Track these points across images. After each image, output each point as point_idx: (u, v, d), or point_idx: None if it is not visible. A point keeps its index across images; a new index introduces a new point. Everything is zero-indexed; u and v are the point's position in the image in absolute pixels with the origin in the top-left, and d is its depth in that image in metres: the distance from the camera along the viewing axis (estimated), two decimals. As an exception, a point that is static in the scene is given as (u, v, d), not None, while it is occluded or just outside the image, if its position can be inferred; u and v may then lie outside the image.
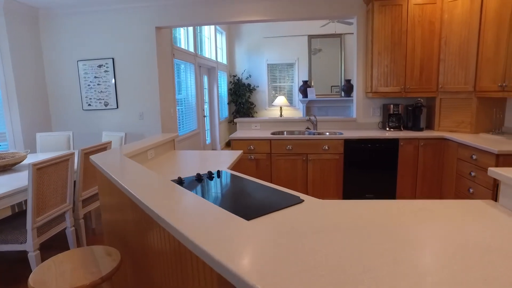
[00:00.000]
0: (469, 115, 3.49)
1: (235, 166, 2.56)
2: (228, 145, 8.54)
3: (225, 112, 8.71)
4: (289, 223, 1.08)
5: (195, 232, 0.89)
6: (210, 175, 2.07)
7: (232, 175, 2.06)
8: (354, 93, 4.26)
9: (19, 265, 2.82)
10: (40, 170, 2.35)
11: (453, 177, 3.30)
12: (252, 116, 8.91)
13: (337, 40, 8.51)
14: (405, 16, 3.62)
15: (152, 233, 1.24)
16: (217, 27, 7.84)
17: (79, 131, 4.67)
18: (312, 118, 4.22)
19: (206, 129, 7.05)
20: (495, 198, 2.54)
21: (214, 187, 1.84)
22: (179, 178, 1.98)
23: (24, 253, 3.01)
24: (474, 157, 2.92)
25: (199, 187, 1.83)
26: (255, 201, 1.55)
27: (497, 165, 2.67)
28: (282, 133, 4.21)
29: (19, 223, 2.53)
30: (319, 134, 4.00)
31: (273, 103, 8.64)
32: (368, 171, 3.69)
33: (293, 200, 1.55)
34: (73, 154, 2.67)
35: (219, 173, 2.11)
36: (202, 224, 0.95)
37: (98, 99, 4.56)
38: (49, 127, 4.66)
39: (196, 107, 6.13)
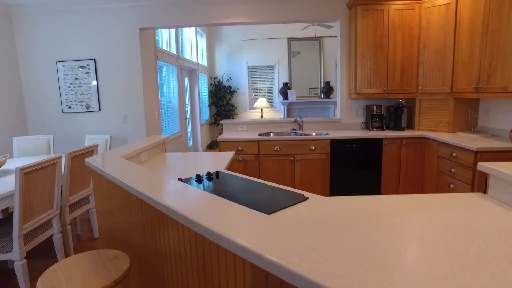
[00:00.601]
0: (447, 115, 3.69)
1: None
2: (210, 147, 8.50)
3: (206, 115, 8.66)
4: (309, 216, 1.11)
5: (229, 230, 0.91)
6: (209, 176, 2.07)
7: (231, 175, 2.07)
8: (338, 95, 4.38)
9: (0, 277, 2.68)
10: (28, 175, 2.25)
11: (434, 173, 3.47)
12: (233, 118, 8.92)
13: (316, 43, 8.69)
14: (386, 21, 3.78)
15: (166, 233, 1.23)
16: (198, 29, 7.80)
17: (59, 134, 4.49)
18: (298, 119, 4.30)
19: (188, 131, 6.98)
20: (472, 191, 2.71)
21: (217, 187, 1.84)
22: (179, 179, 1.97)
23: (4, 264, 2.86)
24: (454, 154, 3.09)
25: (201, 187, 1.83)
26: (264, 199, 1.58)
27: (475, 161, 2.84)
28: (268, 134, 4.26)
29: (2, 231, 2.41)
30: (305, 134, 4.08)
31: (254, 105, 8.70)
32: (354, 170, 3.81)
33: (299, 197, 1.59)
34: (60, 157, 2.58)
35: (217, 174, 2.12)
36: (228, 220, 0.96)
37: (79, 102, 4.42)
38: (25, 131, 4.45)
39: (178, 109, 6.06)
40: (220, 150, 3.90)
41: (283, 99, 8.52)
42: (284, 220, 0.96)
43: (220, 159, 2.55)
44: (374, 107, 4.04)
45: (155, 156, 2.73)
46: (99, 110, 4.42)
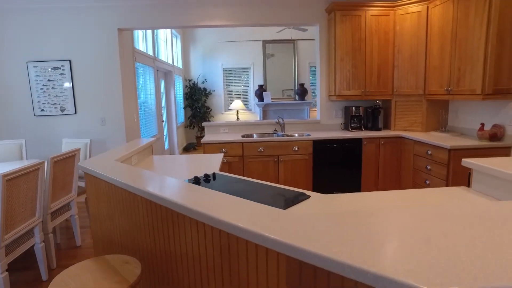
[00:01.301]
0: (420, 116, 3.92)
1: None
2: (186, 150, 8.39)
3: (182, 117, 8.55)
4: (321, 210, 1.15)
5: (257, 225, 0.94)
6: (206, 178, 2.07)
7: (228, 177, 2.09)
8: (318, 96, 4.52)
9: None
10: (10, 182, 2.13)
11: (411, 171, 3.68)
12: (209, 121, 8.87)
13: (290, 46, 8.87)
14: (364, 26, 3.96)
15: (182, 234, 1.24)
16: (173, 30, 7.69)
17: (31, 139, 4.25)
18: (280, 120, 4.37)
19: (164, 134, 6.86)
20: (447, 186, 2.91)
21: (218, 188, 1.85)
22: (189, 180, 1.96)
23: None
24: (430, 152, 3.30)
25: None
26: (270, 198, 1.62)
27: (449, 158, 3.05)
28: (251, 135, 4.29)
29: None
30: (288, 136, 4.16)
31: (230, 107, 8.70)
32: (335, 169, 3.94)
33: (302, 196, 1.65)
34: (43, 163, 2.46)
35: (214, 175, 2.12)
36: (252, 216, 0.99)
37: (53, 104, 4.21)
38: (-8, 136, 4.17)
39: (156, 111, 5.95)
40: (204, 152, 3.88)
41: (259, 101, 8.60)
42: (301, 214, 1.00)
43: (209, 161, 2.55)
44: (353, 108, 4.21)
45: (144, 159, 2.68)
46: (75, 113, 4.24)
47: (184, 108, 8.72)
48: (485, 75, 2.95)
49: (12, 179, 2.14)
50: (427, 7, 3.67)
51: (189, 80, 8.74)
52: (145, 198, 1.39)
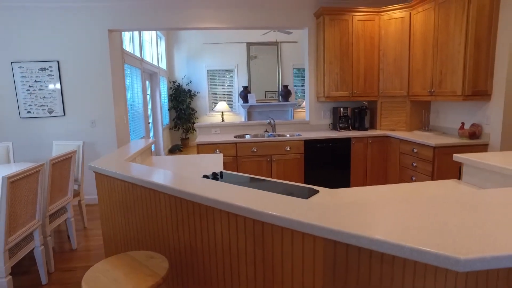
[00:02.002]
0: (404, 116, 4.14)
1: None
2: (171, 151, 8.33)
3: (166, 119, 8.49)
4: (337, 201, 1.24)
5: (292, 213, 1.03)
6: (215, 176, 2.14)
7: (235, 175, 2.16)
8: (307, 98, 4.66)
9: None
10: (13, 184, 2.11)
11: (397, 168, 3.88)
12: (194, 122, 8.86)
13: (274, 48, 9.01)
14: (351, 30, 4.14)
15: (211, 227, 1.30)
16: (158, 31, 7.64)
17: (17, 141, 4.13)
18: (272, 121, 4.48)
19: (150, 136, 6.80)
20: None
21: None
22: (205, 176, 2.01)
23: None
24: (415, 150, 3.51)
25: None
26: (285, 193, 1.71)
27: (434, 156, 3.26)
28: (243, 136, 4.37)
29: None
30: (279, 136, 4.27)
31: (215, 109, 8.74)
32: (326, 168, 4.09)
33: (312, 190, 1.75)
34: (43, 165, 2.44)
35: (221, 174, 2.19)
36: (283, 205, 1.08)
37: (40, 106, 4.11)
38: (-25, 139, 4.02)
39: (143, 113, 5.90)
40: (198, 153, 3.92)
41: (243, 103, 8.68)
42: (327, 204, 1.10)
43: (211, 161, 2.61)
44: (341, 109, 4.38)
45: (145, 160, 2.70)
46: (64, 115, 4.16)
47: (168, 110, 8.66)
48: (465, 77, 3.18)
49: (15, 181, 2.11)
50: (410, 13, 3.89)
51: (174, 82, 8.70)
52: (168, 194, 1.44)
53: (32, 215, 2.41)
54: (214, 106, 9.14)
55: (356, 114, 4.42)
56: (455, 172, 3.28)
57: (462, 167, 1.99)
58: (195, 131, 9.02)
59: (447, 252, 0.77)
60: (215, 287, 1.36)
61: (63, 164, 2.83)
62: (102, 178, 1.86)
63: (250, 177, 2.10)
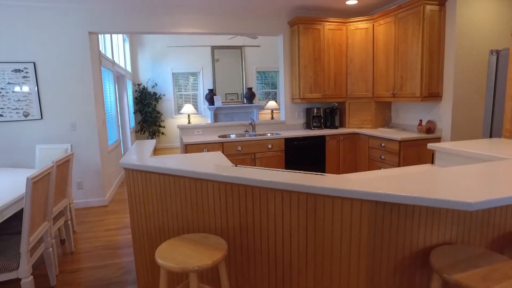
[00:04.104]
0: (370, 115, 4.69)
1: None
2: (139, 155, 8.18)
3: (132, 122, 8.33)
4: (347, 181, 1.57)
5: (337, 184, 1.34)
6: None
7: (248, 168, 2.41)
8: (282, 100, 5.02)
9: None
10: (34, 185, 2.13)
11: (366, 161, 4.40)
12: (160, 125, 8.81)
13: (238, 52, 9.30)
14: (322, 38, 4.58)
15: (264, 206, 1.55)
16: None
17: (-11, 147, 3.91)
18: (252, 122, 4.76)
19: (120, 139, 6.67)
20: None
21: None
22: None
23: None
24: (383, 144, 4.04)
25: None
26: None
27: (400, 149, 3.80)
28: (227, 136, 4.59)
29: (1, 247, 2.19)
30: (260, 135, 4.57)
31: (181, 111, 8.76)
32: (304, 162, 4.47)
33: (323, 174, 2.07)
34: (53, 167, 2.46)
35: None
36: (325, 179, 1.38)
37: (14, 109, 3.94)
38: None
39: (116, 116, 5.82)
40: (187, 152, 4.06)
41: (209, 105, 8.84)
42: (358, 178, 1.43)
43: (215, 158, 2.81)
44: (315, 109, 4.81)
45: (151, 159, 2.82)
46: (41, 118, 4.03)
47: (134, 113, 8.51)
48: (422, 82, 3.77)
49: (35, 182, 2.14)
50: (373, 25, 4.45)
51: (138, 85, 8.57)
52: (218, 182, 1.66)
53: (44, 216, 2.42)
54: (180, 109, 9.16)
55: (327, 114, 4.88)
56: (417, 161, 3.86)
57: (435, 153, 2.47)
58: (162, 134, 8.96)
59: (457, 199, 1.14)
60: (265, 261, 1.61)
61: (63, 166, 2.83)
62: (135, 175, 2.00)
63: (261, 169, 2.36)
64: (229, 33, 4.65)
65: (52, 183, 2.49)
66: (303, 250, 1.49)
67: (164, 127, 8.99)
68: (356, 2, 4.37)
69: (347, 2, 4.38)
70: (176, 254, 1.45)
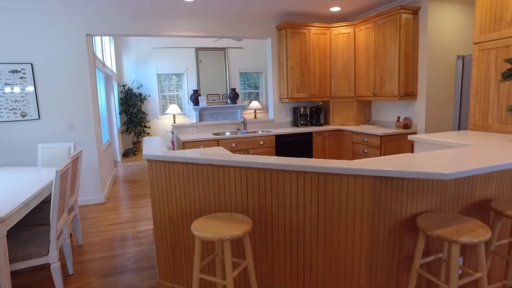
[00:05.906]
0: (352, 113, 5.09)
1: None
2: (125, 155, 8.24)
3: (118, 123, 8.36)
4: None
5: (343, 164, 1.65)
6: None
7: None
8: (271, 99, 5.33)
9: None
10: (61, 176, 2.30)
11: (350, 155, 4.78)
12: (145, 126, 8.88)
13: (221, 53, 9.53)
14: (308, 41, 4.93)
15: (281, 187, 1.84)
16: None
17: (-14, 147, 3.94)
18: (244, 120, 5.03)
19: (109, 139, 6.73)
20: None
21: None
22: None
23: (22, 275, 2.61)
24: (366, 139, 4.43)
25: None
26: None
27: (381, 143, 4.20)
28: (219, 134, 4.83)
29: (30, 237, 2.33)
30: (252, 132, 4.85)
31: (166, 112, 8.89)
32: (293, 157, 4.79)
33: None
34: (70, 162, 2.62)
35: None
36: (338, 162, 1.69)
37: (12, 109, 4.00)
38: None
39: (107, 117, 5.90)
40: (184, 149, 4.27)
41: (194, 105, 9.01)
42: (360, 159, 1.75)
43: (220, 151, 3.07)
44: (302, 108, 5.15)
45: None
46: (39, 118, 4.11)
47: (119, 113, 8.54)
48: (399, 82, 4.19)
49: (62, 173, 2.31)
50: (354, 30, 4.85)
51: (123, 86, 8.61)
52: (239, 167, 1.93)
53: (63, 209, 2.57)
54: (165, 110, 9.28)
55: (313, 112, 5.24)
56: (397, 154, 4.27)
57: (414, 144, 2.85)
58: (148, 134, 9.03)
59: (436, 171, 1.48)
60: (282, 233, 1.89)
61: (74, 162, 2.98)
62: (158, 166, 2.22)
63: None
64: (220, 36, 4.89)
65: (69, 177, 2.65)
66: (315, 221, 1.78)
67: (150, 127, 9.07)
68: (339, 9, 4.75)
69: (331, 9, 4.76)
70: (209, 228, 1.70)
